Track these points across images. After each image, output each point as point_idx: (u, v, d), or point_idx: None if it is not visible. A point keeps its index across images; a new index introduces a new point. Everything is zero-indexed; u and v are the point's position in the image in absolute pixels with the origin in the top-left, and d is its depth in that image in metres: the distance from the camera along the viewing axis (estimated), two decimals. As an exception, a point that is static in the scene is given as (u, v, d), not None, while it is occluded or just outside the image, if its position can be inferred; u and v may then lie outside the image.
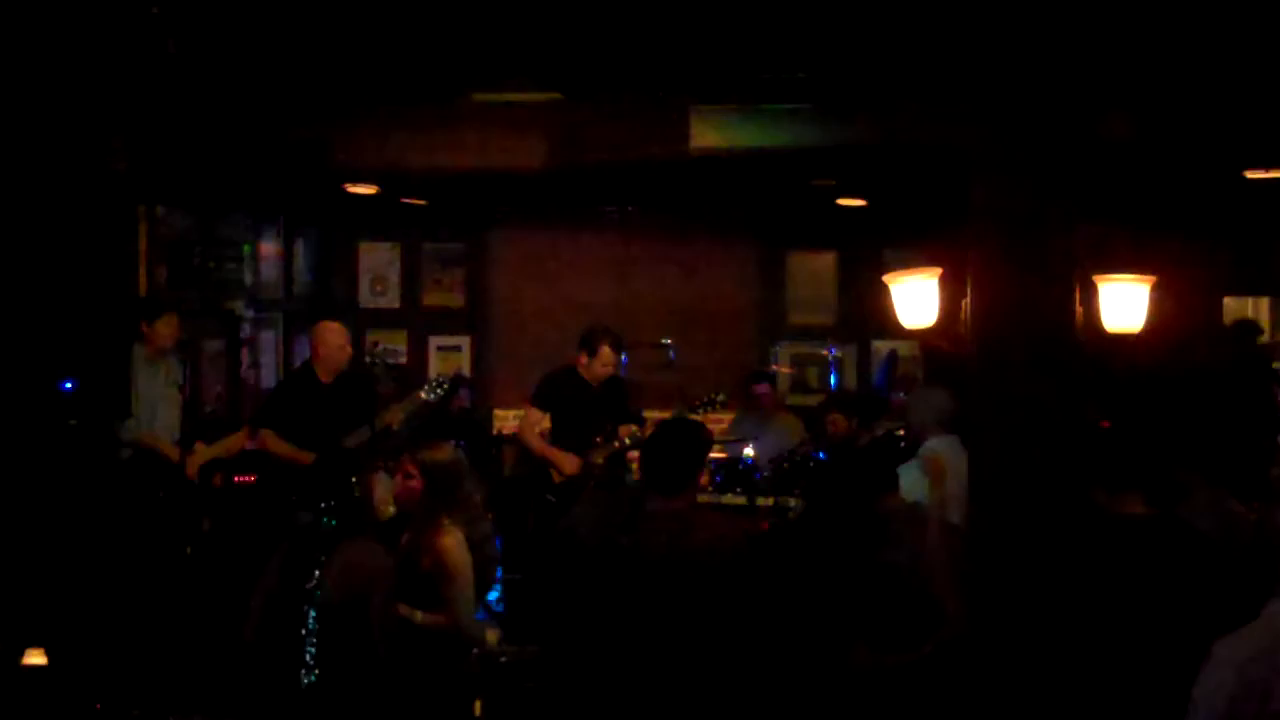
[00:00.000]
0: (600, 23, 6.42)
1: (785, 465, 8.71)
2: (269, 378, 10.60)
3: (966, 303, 4.82)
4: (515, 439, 8.95)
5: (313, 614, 5.04)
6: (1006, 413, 4.46)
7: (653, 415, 8.57)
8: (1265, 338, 9.76)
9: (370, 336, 11.40)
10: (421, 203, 11.02)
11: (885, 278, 6.21)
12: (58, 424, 6.52)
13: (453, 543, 5.54)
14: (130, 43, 6.04)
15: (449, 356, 11.65)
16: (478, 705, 5.55)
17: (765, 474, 8.74)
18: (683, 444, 4.75)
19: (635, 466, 9.26)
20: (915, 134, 7.63)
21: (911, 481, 6.26)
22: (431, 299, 11.78)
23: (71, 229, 6.14)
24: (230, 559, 7.18)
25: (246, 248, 10.30)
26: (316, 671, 5.02)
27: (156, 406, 7.64)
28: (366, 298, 11.69)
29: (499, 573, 9.41)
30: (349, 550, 5.34)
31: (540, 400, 8.28)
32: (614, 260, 11.39)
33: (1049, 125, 4.40)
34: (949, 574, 5.21)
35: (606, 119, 8.39)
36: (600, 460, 8.13)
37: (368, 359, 10.76)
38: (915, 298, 5.96)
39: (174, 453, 7.35)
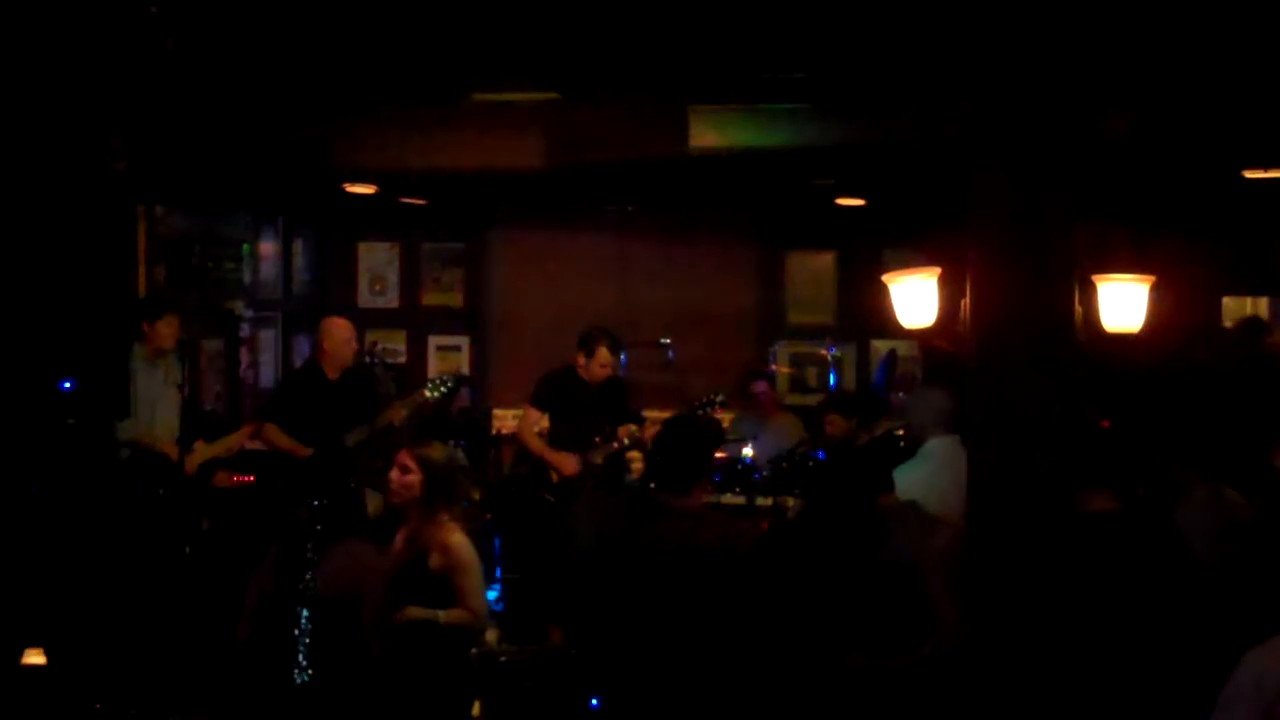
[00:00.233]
0: (599, 23, 6.42)
1: (784, 465, 8.71)
2: (268, 377, 10.61)
3: (966, 302, 4.81)
4: (514, 439, 8.95)
5: (305, 613, 5.04)
6: (1006, 412, 4.46)
7: (653, 415, 8.57)
8: (1272, 335, 9.74)
9: (369, 336, 11.38)
10: (421, 202, 11.02)
11: (884, 277, 6.21)
12: (57, 424, 6.51)
13: (461, 539, 5.54)
14: (130, 42, 6.03)
15: (448, 356, 11.65)
16: (477, 705, 5.55)
17: (764, 474, 8.73)
18: (690, 442, 4.75)
19: (635, 466, 9.29)
20: (914, 133, 7.64)
21: (911, 481, 6.26)
22: (431, 299, 11.78)
23: (71, 229, 6.13)
24: (230, 559, 7.18)
25: (246, 247, 10.31)
26: (309, 671, 5.02)
27: (156, 406, 7.64)
28: (365, 297, 11.69)
29: (499, 572, 9.43)
30: (341, 549, 5.34)
31: (539, 400, 8.28)
32: (613, 260, 11.39)
33: (1049, 124, 4.39)
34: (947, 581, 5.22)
35: (606, 119, 8.39)
36: (599, 460, 8.13)
37: (367, 358, 10.76)
38: (914, 297, 5.97)
39: (173, 451, 7.35)
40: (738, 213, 11.23)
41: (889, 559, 5.63)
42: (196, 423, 7.87)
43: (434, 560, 5.50)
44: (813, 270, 11.59)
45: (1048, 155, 4.42)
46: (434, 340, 11.76)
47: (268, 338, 10.68)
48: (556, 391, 8.23)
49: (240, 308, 10.16)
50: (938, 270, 5.95)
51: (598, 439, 8.13)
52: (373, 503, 8.67)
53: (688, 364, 9.98)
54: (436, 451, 5.82)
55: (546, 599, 8.23)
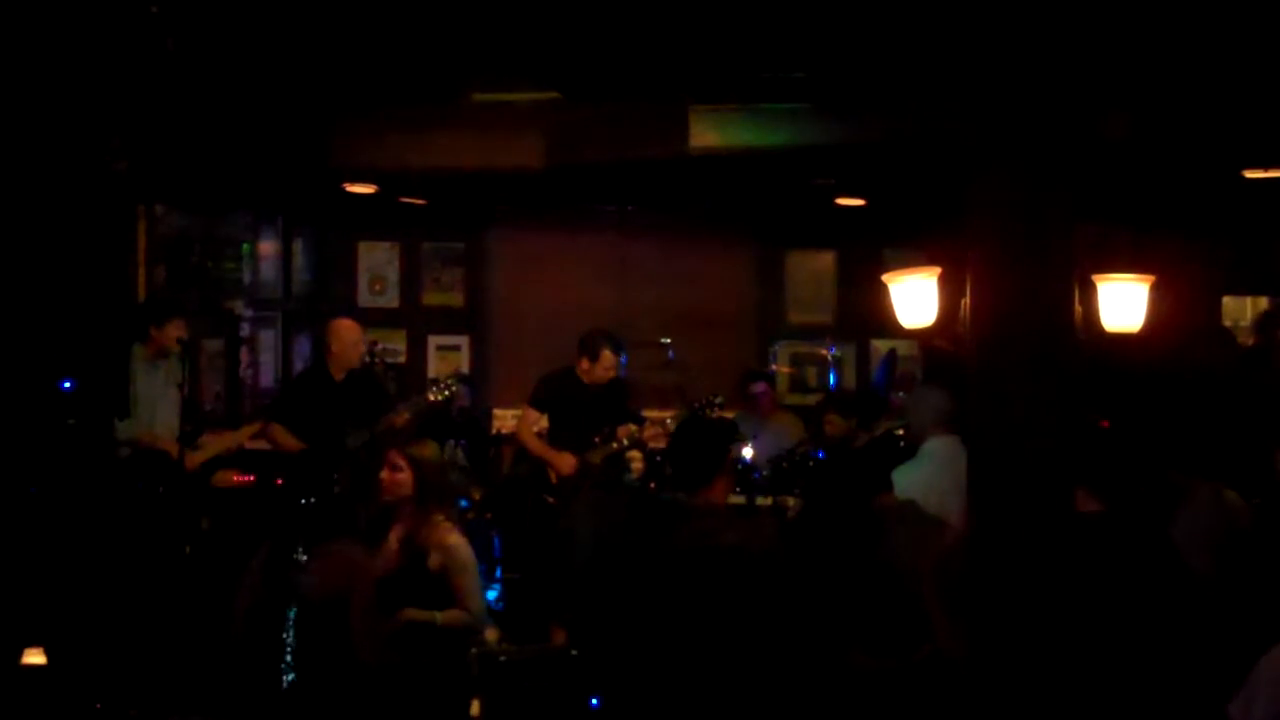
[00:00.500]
0: (599, 23, 6.42)
1: (784, 465, 8.71)
2: (268, 377, 10.61)
3: (966, 302, 4.81)
4: (514, 439, 8.95)
5: (292, 613, 5.03)
6: (1006, 412, 4.45)
7: (653, 415, 8.57)
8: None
9: (369, 336, 11.39)
10: (421, 202, 11.02)
11: (884, 277, 6.21)
12: (57, 423, 6.52)
13: (459, 539, 5.54)
14: (130, 42, 6.03)
15: (448, 356, 11.65)
16: (478, 705, 5.55)
17: (764, 473, 8.73)
18: (704, 441, 4.76)
19: (635, 466, 9.29)
20: (914, 133, 7.65)
21: (911, 481, 6.27)
22: (431, 298, 11.78)
23: (71, 228, 6.14)
24: (230, 559, 7.18)
25: (245, 247, 10.31)
26: (296, 673, 5.02)
27: (156, 406, 7.64)
28: (365, 297, 11.68)
29: (499, 572, 9.43)
30: (330, 549, 5.34)
31: (538, 401, 8.27)
32: (613, 260, 11.39)
33: (1048, 124, 4.39)
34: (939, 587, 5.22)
35: (605, 119, 8.40)
36: (598, 461, 8.13)
37: (367, 359, 10.77)
38: (914, 297, 5.96)
39: (173, 448, 7.36)
40: (738, 213, 11.23)
41: (889, 559, 5.64)
42: (196, 423, 7.88)
43: (433, 560, 5.49)
44: (813, 270, 11.59)
45: (1048, 155, 4.42)
46: (434, 340, 11.75)
47: (268, 337, 10.68)
48: (556, 393, 8.22)
49: (240, 307, 10.16)
50: (938, 270, 5.94)
51: (597, 439, 8.13)
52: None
53: (688, 364, 9.97)
54: (428, 450, 5.81)
55: (546, 599, 8.23)
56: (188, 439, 7.37)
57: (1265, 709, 3.54)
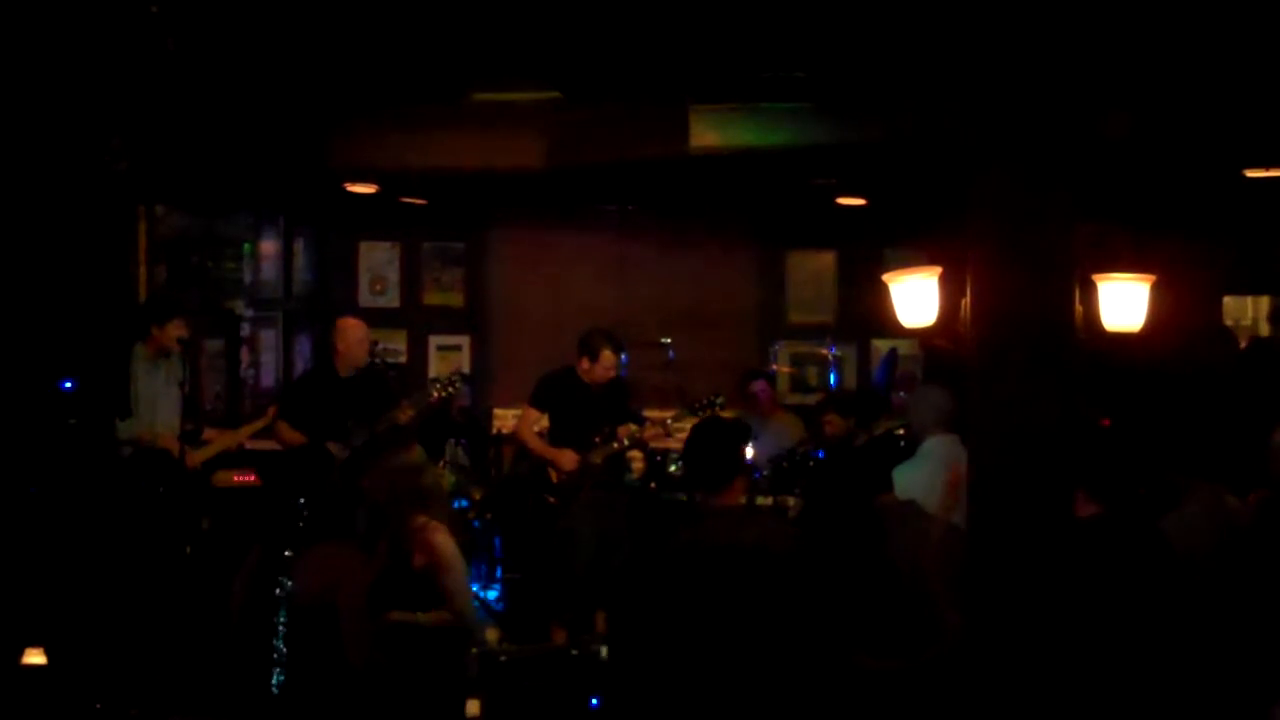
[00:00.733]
0: (599, 23, 6.42)
1: (785, 464, 8.71)
2: (269, 377, 10.61)
3: (966, 302, 4.81)
4: (514, 438, 8.95)
5: (283, 615, 5.02)
6: (1006, 412, 4.45)
7: (653, 415, 8.57)
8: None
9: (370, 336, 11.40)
10: (421, 202, 11.03)
11: (885, 277, 6.21)
12: (58, 423, 6.52)
13: (444, 539, 5.54)
14: (130, 42, 6.03)
15: (449, 356, 11.65)
16: (478, 705, 5.55)
17: (765, 473, 8.73)
18: (721, 442, 4.76)
19: (635, 466, 9.29)
20: (914, 132, 7.65)
21: (911, 480, 6.27)
22: (431, 298, 11.78)
23: (71, 229, 6.14)
24: (230, 559, 7.18)
25: (246, 247, 10.30)
26: (285, 676, 5.01)
27: (157, 405, 7.65)
28: (366, 297, 11.68)
29: (499, 572, 9.43)
30: (320, 552, 5.33)
31: (538, 401, 8.27)
32: (614, 260, 11.39)
33: (1049, 124, 4.39)
34: (948, 582, 5.22)
35: (606, 119, 8.40)
36: (598, 460, 8.13)
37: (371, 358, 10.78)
38: (915, 297, 5.96)
39: (174, 447, 7.37)
40: (738, 213, 11.23)
41: (889, 559, 5.64)
42: (198, 422, 7.89)
43: (417, 560, 5.49)
44: (813, 270, 11.59)
45: (1048, 155, 4.42)
46: (434, 340, 11.75)
47: (268, 337, 10.68)
48: (556, 392, 8.22)
49: (241, 307, 10.16)
50: (938, 270, 5.94)
51: (598, 439, 8.13)
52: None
53: (688, 364, 9.97)
54: (399, 457, 5.82)
55: (547, 599, 8.23)
56: (189, 438, 7.38)
57: None
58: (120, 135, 6.57)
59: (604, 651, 5.48)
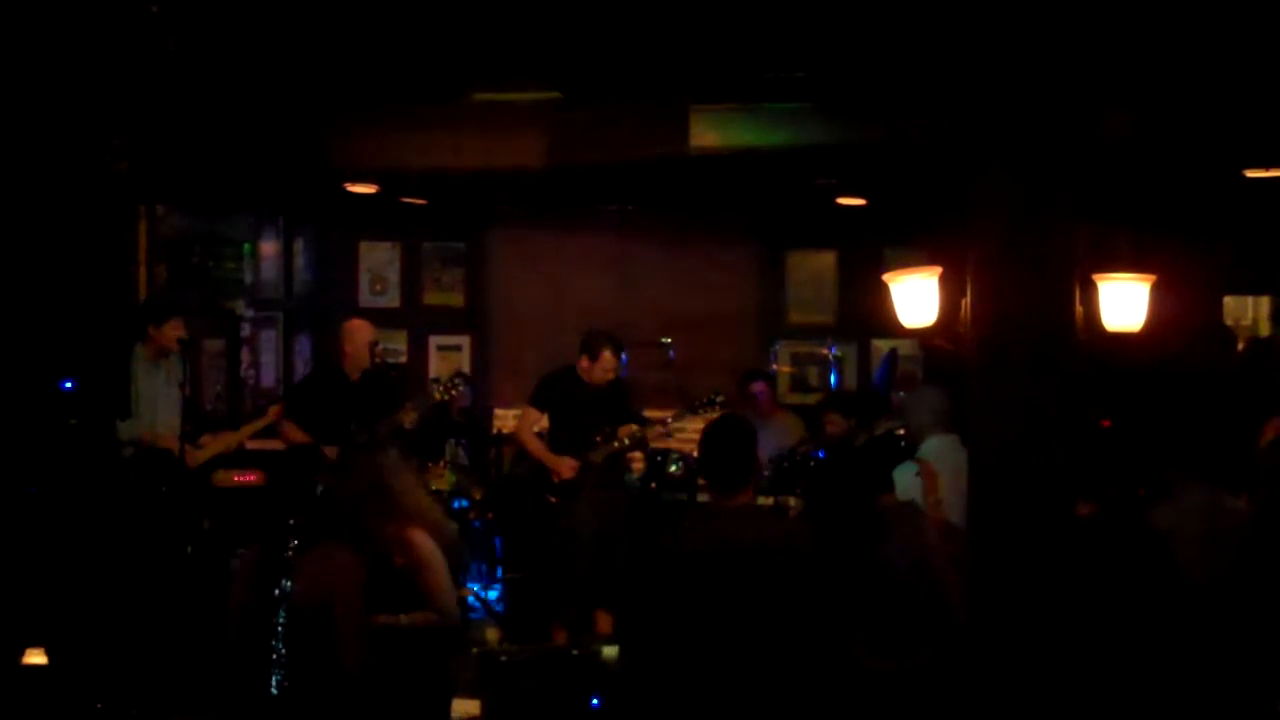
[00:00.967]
0: (600, 22, 6.42)
1: (785, 464, 8.71)
2: (269, 377, 10.61)
3: (966, 302, 4.81)
4: (514, 438, 8.95)
5: (281, 618, 5.00)
6: (1006, 412, 4.46)
7: (653, 415, 8.57)
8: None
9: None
10: (421, 202, 11.03)
11: (885, 277, 6.20)
12: (58, 424, 6.52)
13: (421, 536, 5.52)
14: (130, 42, 6.04)
15: (449, 356, 11.65)
16: (478, 705, 5.55)
17: (765, 473, 8.73)
18: (741, 442, 4.76)
19: (636, 466, 9.29)
20: (914, 132, 7.64)
21: (911, 480, 6.27)
22: (431, 298, 11.78)
23: (71, 229, 6.14)
24: (230, 558, 7.18)
25: (246, 247, 10.30)
26: (283, 676, 4.99)
27: (157, 406, 7.65)
28: (366, 297, 11.68)
29: (499, 572, 9.43)
30: (318, 553, 5.31)
31: (538, 400, 8.27)
32: (614, 260, 11.39)
33: (1049, 124, 4.39)
34: (951, 580, 5.22)
35: (606, 119, 8.39)
36: (599, 460, 8.12)
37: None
38: (915, 297, 5.96)
39: (175, 447, 7.38)
40: (738, 213, 11.23)
41: (890, 559, 5.63)
42: (197, 423, 7.89)
43: (398, 559, 5.48)
44: (813, 270, 11.59)
45: (1048, 155, 4.42)
46: (435, 340, 11.75)
47: (269, 337, 10.68)
48: (556, 392, 8.22)
49: (241, 307, 10.16)
50: (938, 270, 5.94)
51: (598, 439, 8.12)
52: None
53: (688, 364, 9.97)
54: (372, 459, 5.82)
55: (547, 599, 8.24)
56: (189, 438, 7.38)
57: None
58: (120, 135, 6.58)
59: (605, 652, 5.47)
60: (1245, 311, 10.69)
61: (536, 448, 8.24)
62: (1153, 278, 6.24)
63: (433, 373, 11.39)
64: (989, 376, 4.51)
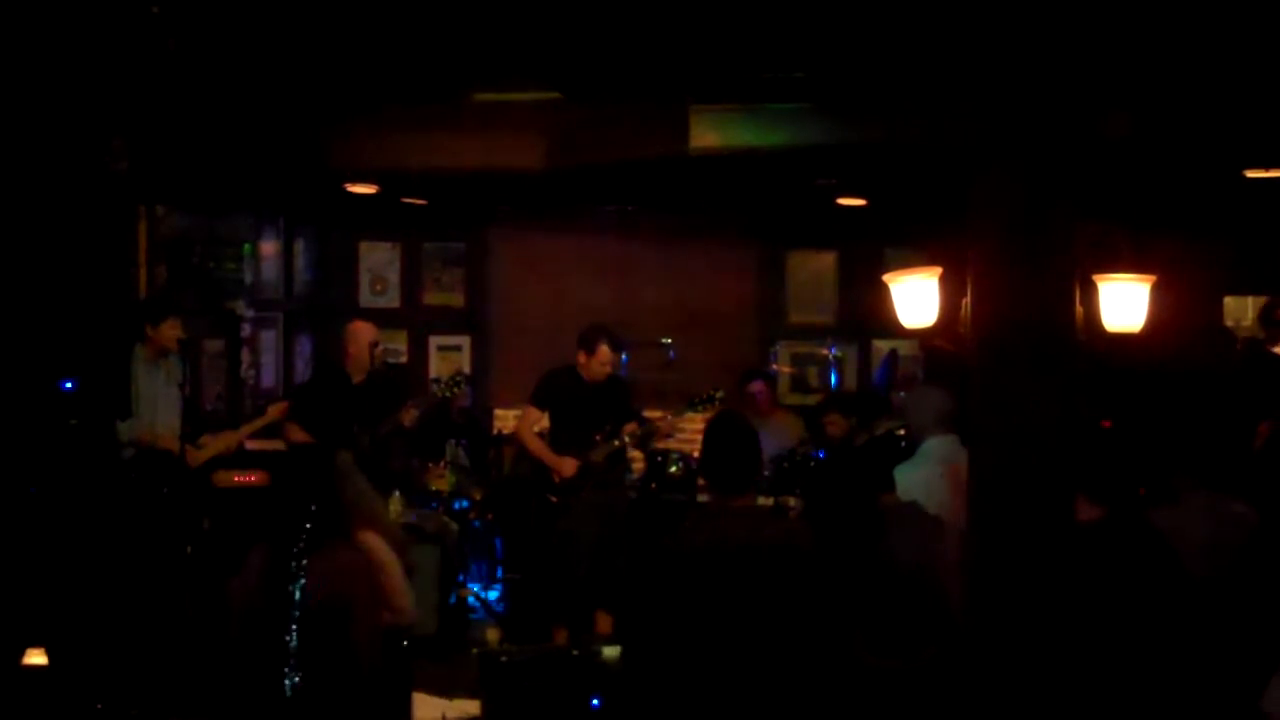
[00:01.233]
0: (600, 23, 6.42)
1: (785, 465, 8.71)
2: (269, 377, 10.61)
3: (966, 302, 4.81)
4: (515, 438, 8.96)
5: (295, 617, 4.98)
6: (1006, 412, 4.46)
7: (654, 415, 8.57)
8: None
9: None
10: (421, 202, 11.03)
11: (885, 277, 6.21)
12: (58, 424, 6.52)
13: (375, 540, 5.50)
14: (130, 42, 6.04)
15: (449, 356, 11.65)
16: (478, 705, 5.54)
17: (765, 473, 8.73)
18: (745, 443, 4.75)
19: (636, 466, 9.29)
20: (915, 133, 7.64)
21: (911, 481, 6.27)
22: (431, 298, 11.78)
23: (71, 229, 6.14)
24: (231, 559, 7.18)
25: (247, 247, 10.30)
26: (299, 676, 4.97)
27: (157, 406, 7.65)
28: (366, 297, 11.69)
29: (499, 572, 9.44)
30: (329, 553, 5.29)
31: (539, 399, 8.27)
32: (614, 260, 11.39)
33: (1049, 124, 4.39)
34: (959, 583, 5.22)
35: (606, 119, 8.40)
36: (599, 459, 8.12)
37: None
38: (915, 297, 5.96)
39: (175, 447, 7.38)
40: (738, 213, 11.23)
41: (893, 560, 5.64)
42: (197, 423, 7.89)
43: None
44: (813, 270, 11.59)
45: (1049, 155, 4.42)
46: (435, 340, 11.76)
47: (269, 338, 10.68)
48: (556, 390, 8.22)
49: (241, 308, 10.16)
50: (939, 270, 5.94)
51: (598, 437, 8.12)
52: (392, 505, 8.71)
53: (688, 364, 9.98)
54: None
55: (548, 599, 8.24)
56: (189, 438, 7.38)
57: None
58: (120, 135, 6.58)
59: (605, 652, 5.47)
60: (1245, 312, 10.69)
61: (537, 447, 8.24)
62: (1153, 278, 6.24)
63: (433, 373, 11.40)
64: (989, 377, 4.51)
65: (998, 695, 4.46)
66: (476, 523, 9.32)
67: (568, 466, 8.07)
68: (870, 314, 9.88)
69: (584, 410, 8.13)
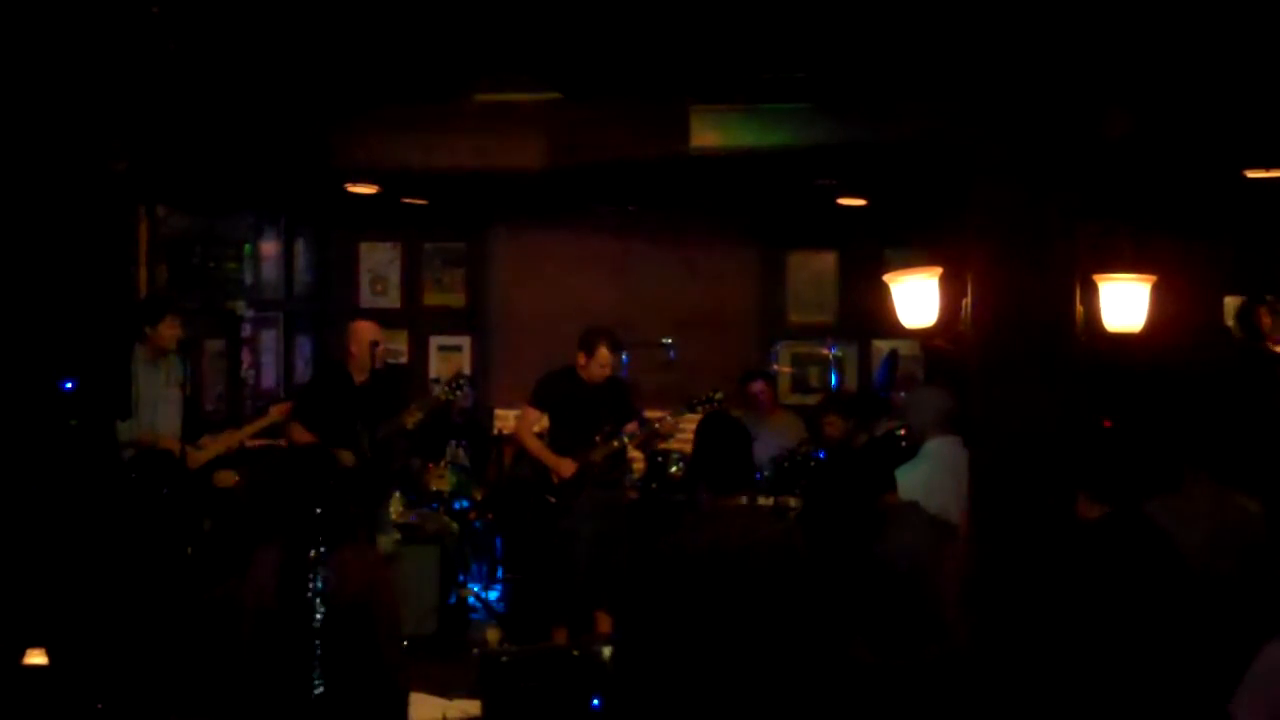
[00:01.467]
0: (600, 23, 6.42)
1: (786, 464, 8.71)
2: (270, 378, 10.61)
3: (967, 302, 4.82)
4: (514, 438, 8.96)
5: (319, 618, 4.97)
6: (1006, 412, 4.46)
7: (654, 415, 8.57)
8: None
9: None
10: (422, 202, 11.03)
11: (885, 277, 6.21)
12: (58, 424, 6.51)
13: None
14: (131, 43, 6.03)
15: (449, 356, 11.65)
16: (478, 705, 5.55)
17: (766, 473, 8.73)
18: (738, 444, 4.75)
19: (636, 467, 9.29)
20: (915, 133, 7.64)
21: (911, 481, 6.27)
22: (432, 299, 11.79)
23: (72, 229, 6.13)
24: (231, 559, 7.18)
25: (247, 248, 10.31)
26: (326, 677, 4.95)
27: (158, 406, 7.65)
28: (367, 297, 11.69)
29: (500, 572, 9.44)
30: (346, 553, 5.27)
31: (538, 400, 8.27)
32: (614, 260, 11.39)
33: (1049, 124, 4.40)
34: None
35: (606, 119, 8.40)
36: (599, 460, 8.12)
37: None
38: (915, 297, 5.97)
39: (175, 448, 7.38)
40: (738, 213, 11.23)
41: (890, 559, 5.64)
42: (198, 423, 7.89)
43: None
44: (814, 270, 11.59)
45: (1049, 155, 4.43)
46: (435, 340, 11.76)
47: (269, 338, 10.68)
48: (556, 391, 8.21)
49: (242, 308, 10.17)
50: (939, 270, 5.94)
51: (598, 438, 8.12)
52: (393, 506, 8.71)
53: (688, 364, 9.98)
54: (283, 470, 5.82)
55: (548, 599, 8.23)
56: (190, 438, 7.38)
57: (1267, 704, 3.54)
58: (121, 135, 6.57)
59: (605, 652, 5.47)
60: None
61: (536, 447, 8.23)
62: (1153, 278, 6.25)
63: (433, 373, 11.40)
64: (989, 377, 4.52)
65: (998, 695, 4.46)
66: (477, 523, 9.33)
67: (566, 467, 8.07)
68: (870, 314, 9.88)
69: (583, 411, 8.12)
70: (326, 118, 8.55)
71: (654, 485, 9.10)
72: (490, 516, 9.35)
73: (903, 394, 9.11)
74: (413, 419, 8.30)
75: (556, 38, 6.73)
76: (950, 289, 5.81)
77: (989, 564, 4.72)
